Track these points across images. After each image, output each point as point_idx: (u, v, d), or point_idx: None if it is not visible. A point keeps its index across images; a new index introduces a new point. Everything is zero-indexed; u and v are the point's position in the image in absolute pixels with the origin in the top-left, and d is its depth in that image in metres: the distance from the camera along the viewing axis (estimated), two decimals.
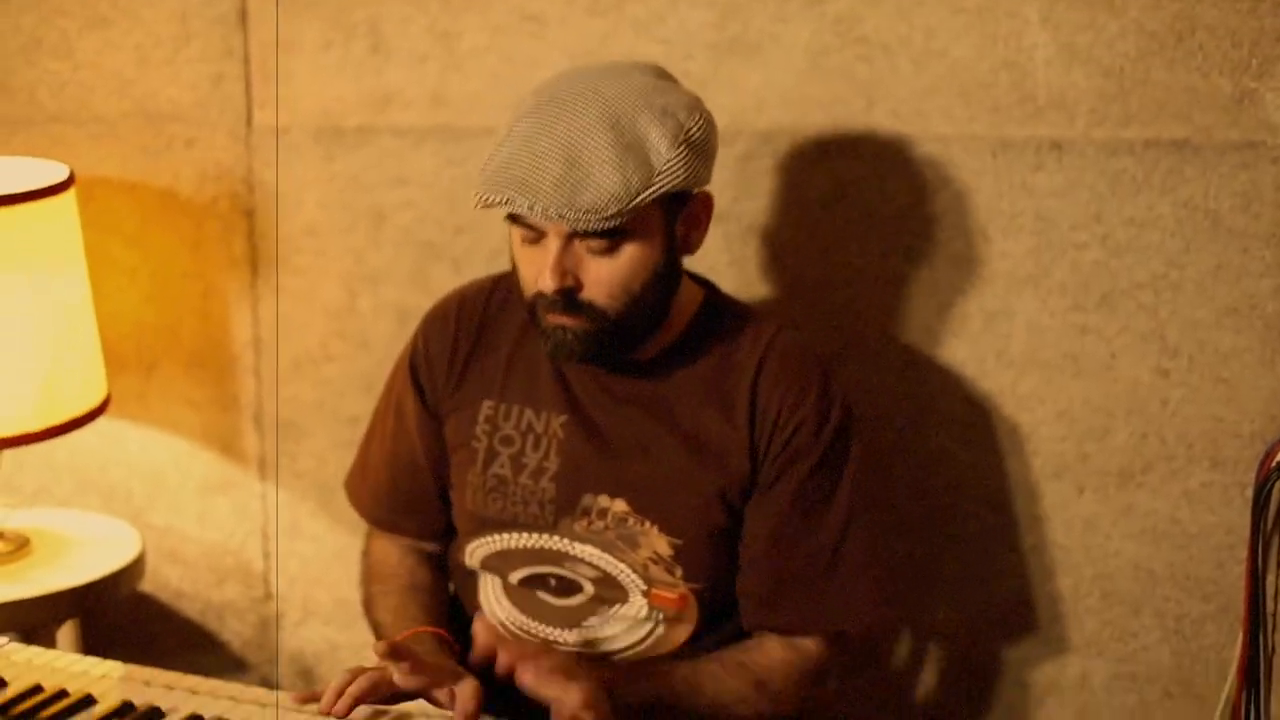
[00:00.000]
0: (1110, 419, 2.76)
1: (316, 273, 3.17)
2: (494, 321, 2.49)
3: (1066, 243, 2.72)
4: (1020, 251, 2.75)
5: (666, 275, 2.31)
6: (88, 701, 2.06)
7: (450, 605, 2.57)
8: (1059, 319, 2.75)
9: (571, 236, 2.23)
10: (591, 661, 2.27)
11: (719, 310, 2.44)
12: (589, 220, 2.18)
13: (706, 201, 2.35)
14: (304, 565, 3.29)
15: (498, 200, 2.20)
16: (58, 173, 2.99)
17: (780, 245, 2.87)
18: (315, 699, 2.11)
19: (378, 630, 2.49)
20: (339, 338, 3.18)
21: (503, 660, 2.18)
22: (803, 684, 2.38)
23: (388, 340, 3.10)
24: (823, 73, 2.78)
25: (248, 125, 3.16)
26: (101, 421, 3.13)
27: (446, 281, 2.92)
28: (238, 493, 3.32)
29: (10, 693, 2.07)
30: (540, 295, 2.27)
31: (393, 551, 2.59)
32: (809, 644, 2.39)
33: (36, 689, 2.08)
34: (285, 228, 3.17)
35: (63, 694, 2.07)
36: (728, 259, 2.87)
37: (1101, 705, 2.86)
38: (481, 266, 2.95)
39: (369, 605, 2.55)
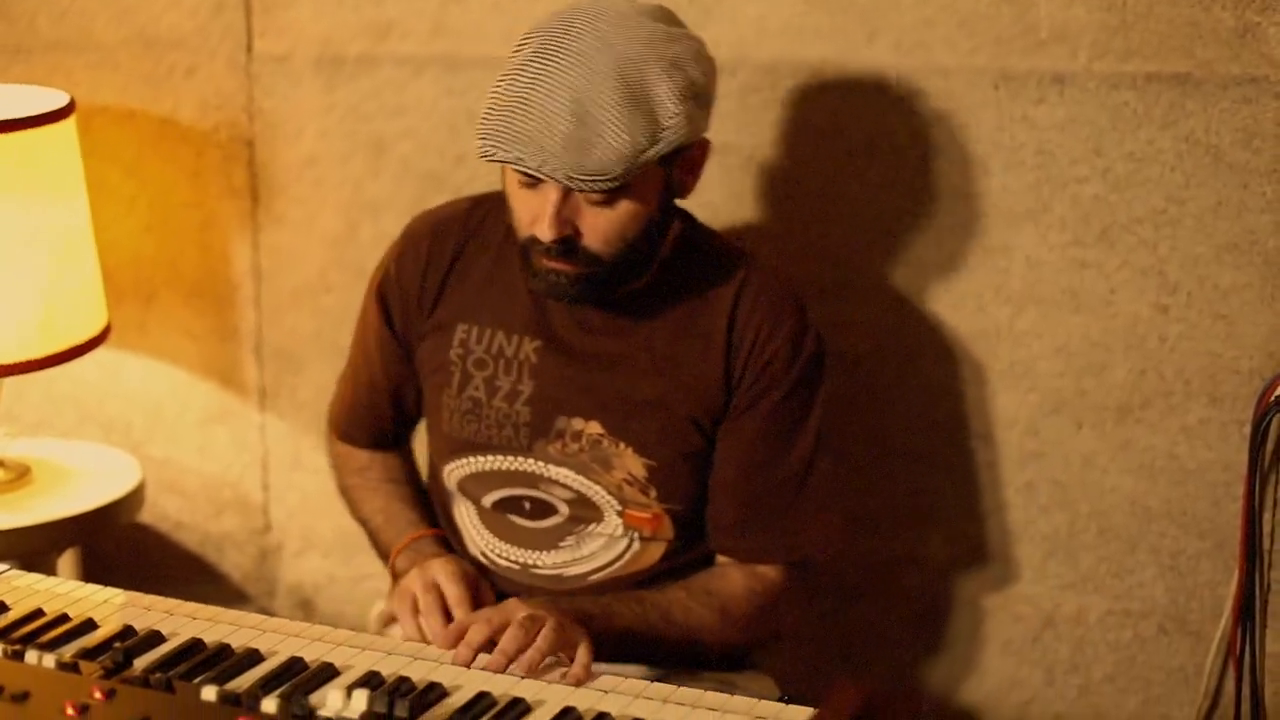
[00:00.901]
0: (1109, 354, 2.76)
1: (316, 202, 3.16)
2: (470, 246, 2.49)
3: (1067, 177, 2.72)
4: (1020, 186, 2.74)
5: (662, 221, 2.32)
6: (89, 625, 2.06)
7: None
8: (1058, 254, 2.75)
9: (571, 189, 2.23)
10: (563, 597, 2.28)
11: (696, 242, 2.44)
12: (596, 183, 2.18)
13: (704, 147, 2.35)
14: (303, 498, 3.30)
15: (506, 159, 2.20)
16: (57, 99, 2.98)
17: (779, 178, 2.87)
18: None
19: (369, 530, 2.58)
20: (338, 268, 3.17)
21: (464, 652, 2.10)
22: (763, 611, 2.42)
23: None
24: (824, 3, 2.77)
25: (248, 53, 3.15)
26: (101, 352, 3.12)
27: None
28: (237, 424, 3.32)
29: (11, 616, 2.08)
30: (536, 240, 2.27)
31: (364, 456, 2.66)
32: (769, 572, 2.43)
33: (38, 613, 2.09)
34: (285, 157, 3.17)
35: (64, 618, 2.08)
36: (726, 192, 2.87)
37: (1097, 641, 2.87)
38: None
39: (350, 498, 2.63)
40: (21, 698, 1.76)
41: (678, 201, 2.36)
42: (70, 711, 1.74)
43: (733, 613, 2.38)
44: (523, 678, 1.99)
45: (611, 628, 2.24)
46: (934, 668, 2.98)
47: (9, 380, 3.10)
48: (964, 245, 2.80)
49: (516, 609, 2.12)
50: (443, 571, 2.29)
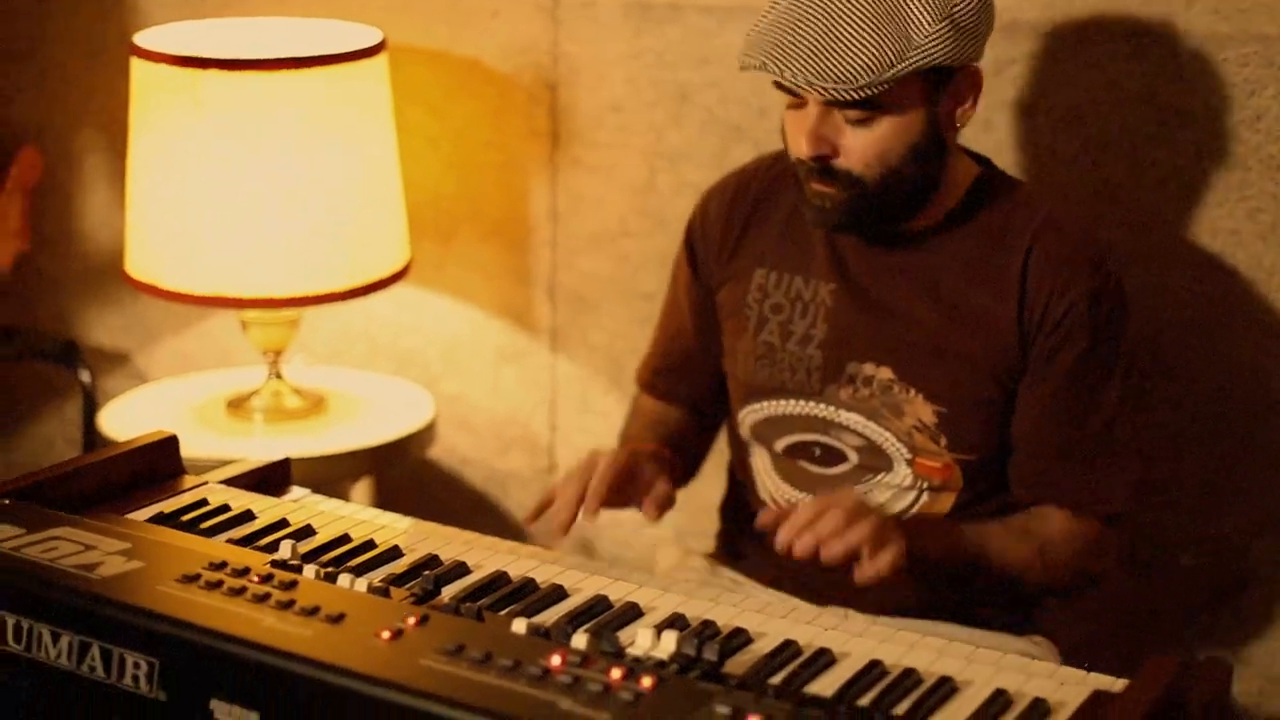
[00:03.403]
0: None
1: (617, 148, 3.18)
2: (771, 194, 2.52)
3: None
4: None
5: (928, 150, 2.31)
6: (394, 552, 2.09)
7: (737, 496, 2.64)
8: None
9: (829, 105, 2.25)
10: (887, 514, 2.28)
11: (994, 186, 2.43)
12: (839, 90, 2.20)
13: (973, 78, 2.33)
14: (590, 439, 3.32)
15: (753, 64, 2.24)
16: (370, 36, 3.03)
17: (1089, 141, 2.81)
18: (547, 507, 2.28)
19: None
20: (637, 214, 3.19)
21: (787, 531, 2.17)
22: (1081, 557, 2.41)
23: (685, 220, 3.09)
24: None
25: None
26: (397, 288, 3.17)
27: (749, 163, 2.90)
28: (528, 364, 3.35)
29: (319, 540, 2.11)
30: (800, 161, 2.30)
31: (656, 403, 2.68)
32: (1088, 520, 2.41)
33: (345, 538, 2.12)
34: (587, 102, 3.18)
35: (370, 544, 2.11)
36: (1033, 152, 2.82)
37: None
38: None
39: (620, 439, 2.65)
40: (337, 619, 1.79)
41: (1007, 166, 2.33)
42: (385, 635, 1.76)
43: (1050, 554, 2.38)
44: (822, 561, 2.11)
45: (929, 549, 2.25)
46: (1224, 646, 2.92)
47: (306, 313, 3.16)
48: (1277, 215, 2.72)
49: (845, 497, 2.16)
50: (606, 454, 2.34)
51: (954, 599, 2.40)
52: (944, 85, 2.29)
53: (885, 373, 2.39)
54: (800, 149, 2.29)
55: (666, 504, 2.35)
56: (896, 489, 2.43)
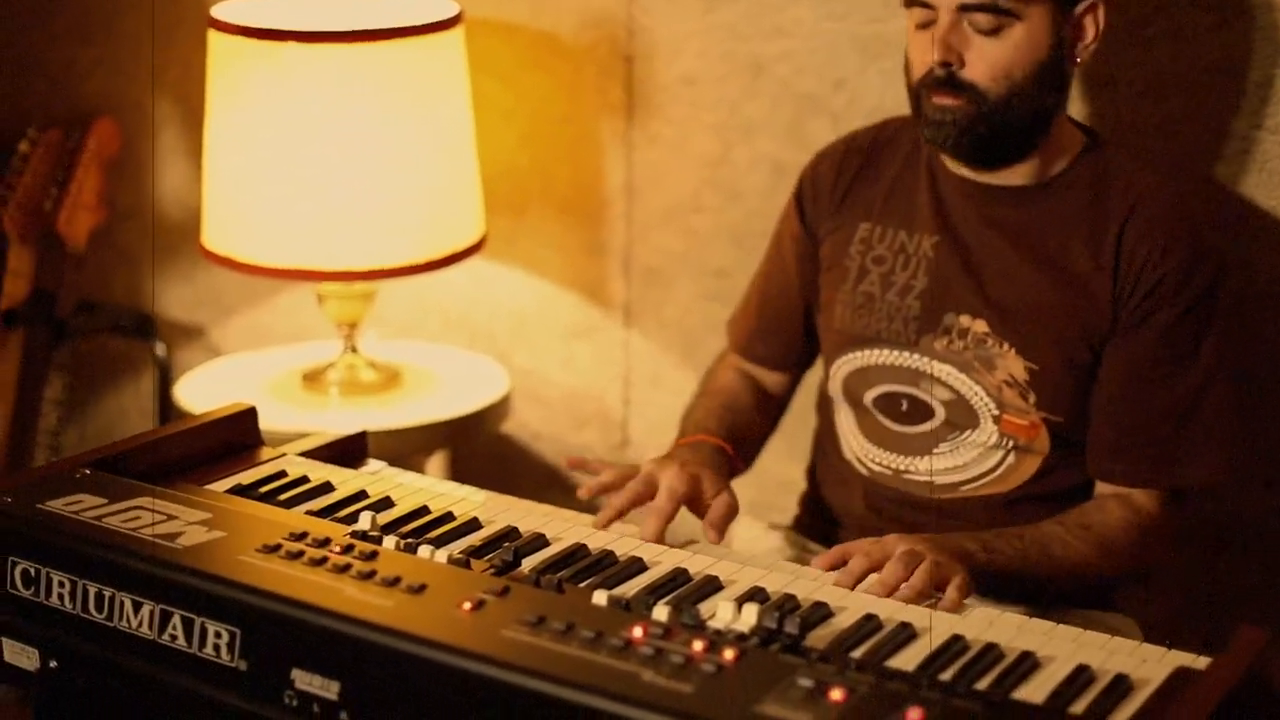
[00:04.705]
0: None
1: (691, 122, 3.17)
2: (881, 152, 2.56)
3: None
4: None
5: (1050, 75, 2.35)
6: (473, 524, 2.10)
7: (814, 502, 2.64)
8: None
9: (962, 12, 2.30)
10: (943, 535, 2.25)
11: (1101, 154, 2.45)
12: None
13: (1095, 10, 2.38)
14: (663, 415, 3.31)
15: None
16: (448, 9, 3.03)
17: (1169, 114, 2.79)
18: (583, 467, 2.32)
19: (680, 433, 2.57)
20: (711, 188, 3.17)
21: (851, 571, 2.09)
22: (1140, 543, 2.39)
23: (760, 193, 3.09)
24: None
25: None
26: (470, 262, 3.17)
27: (823, 136, 2.89)
28: (601, 339, 3.35)
29: (398, 511, 2.12)
30: (925, 77, 2.34)
31: (732, 375, 2.67)
32: (1146, 502, 2.40)
33: (423, 510, 2.13)
34: (662, 76, 3.17)
35: (449, 516, 2.11)
36: (1114, 124, 2.80)
37: None
38: (860, 121, 2.91)
39: (685, 415, 2.62)
40: (419, 589, 1.80)
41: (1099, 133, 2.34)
42: (467, 606, 1.76)
43: (1110, 547, 2.36)
44: None
45: (991, 564, 2.22)
46: None
47: (381, 285, 3.16)
48: None
49: (896, 543, 2.10)
50: (666, 470, 2.28)
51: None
52: (1071, 8, 2.34)
53: (980, 325, 2.42)
54: (927, 59, 2.33)
55: (730, 519, 2.29)
56: (983, 447, 2.44)
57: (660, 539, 2.14)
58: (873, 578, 2.03)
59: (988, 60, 2.32)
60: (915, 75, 2.38)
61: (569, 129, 3.28)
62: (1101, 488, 2.43)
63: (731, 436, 2.51)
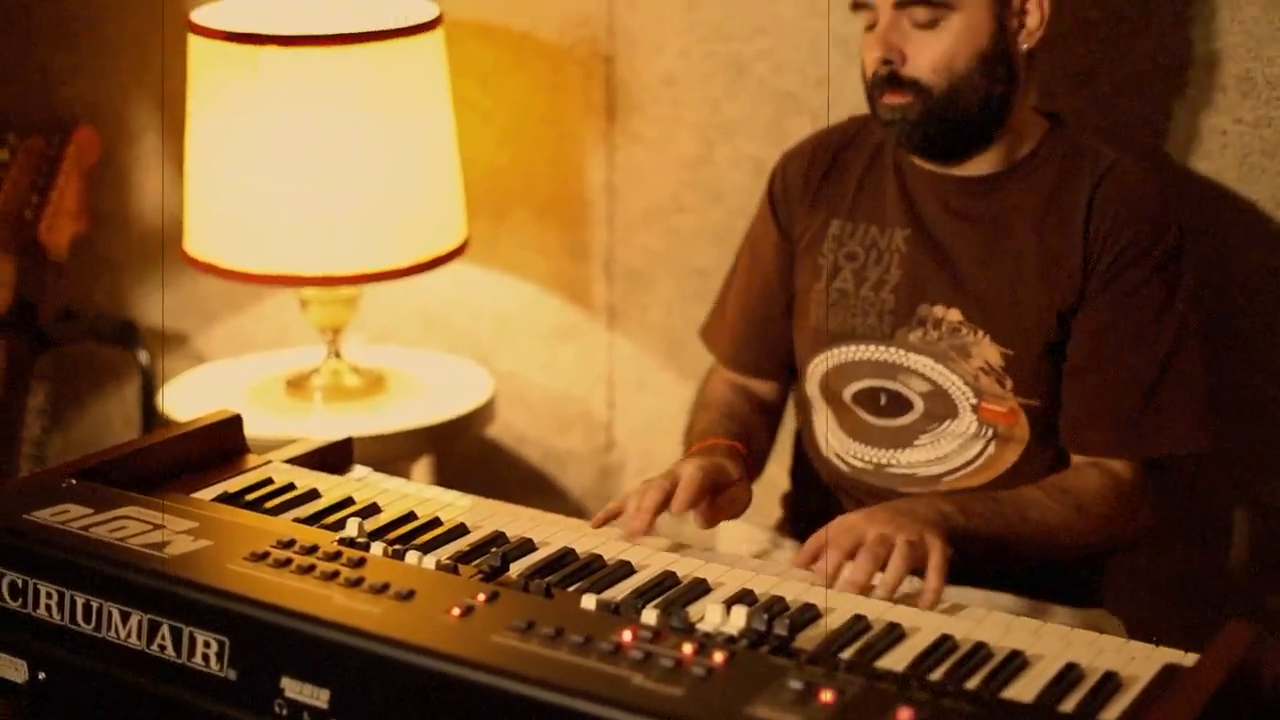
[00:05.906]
0: None
1: (672, 122, 3.17)
2: (849, 149, 2.58)
3: None
4: None
5: (994, 64, 2.38)
6: (461, 530, 2.09)
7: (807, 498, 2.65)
8: None
9: (899, 9, 2.34)
10: (914, 508, 2.23)
11: (1065, 134, 2.49)
12: None
13: None
14: (648, 418, 3.31)
15: None
16: (427, 11, 3.02)
17: (1147, 108, 2.79)
18: (615, 515, 2.17)
19: (685, 449, 2.54)
20: (692, 188, 3.17)
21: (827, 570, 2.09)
22: (1118, 509, 2.38)
23: (742, 193, 3.09)
24: None
25: None
26: (451, 265, 3.17)
27: (804, 135, 2.88)
28: (584, 341, 3.35)
29: (385, 518, 2.12)
30: (874, 77, 2.39)
31: (725, 388, 2.66)
32: (1122, 470, 2.39)
33: (410, 515, 2.13)
34: (643, 75, 3.17)
35: (436, 521, 2.11)
36: (1093, 119, 2.80)
37: None
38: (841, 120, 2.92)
39: (687, 431, 2.62)
40: (407, 596, 1.79)
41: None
42: (455, 612, 1.76)
43: (1089, 511, 2.35)
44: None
45: (969, 526, 2.20)
46: None
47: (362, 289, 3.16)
48: None
49: (866, 527, 2.07)
50: (686, 466, 2.27)
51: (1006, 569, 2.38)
52: None
53: (954, 314, 2.43)
54: (872, 55, 2.37)
55: (744, 508, 2.31)
56: (963, 437, 2.45)
57: (685, 507, 2.17)
58: (846, 573, 2.01)
59: (927, 54, 2.35)
60: (867, 76, 2.42)
61: (550, 130, 3.28)
62: (1077, 458, 2.43)
63: (739, 441, 2.49)
